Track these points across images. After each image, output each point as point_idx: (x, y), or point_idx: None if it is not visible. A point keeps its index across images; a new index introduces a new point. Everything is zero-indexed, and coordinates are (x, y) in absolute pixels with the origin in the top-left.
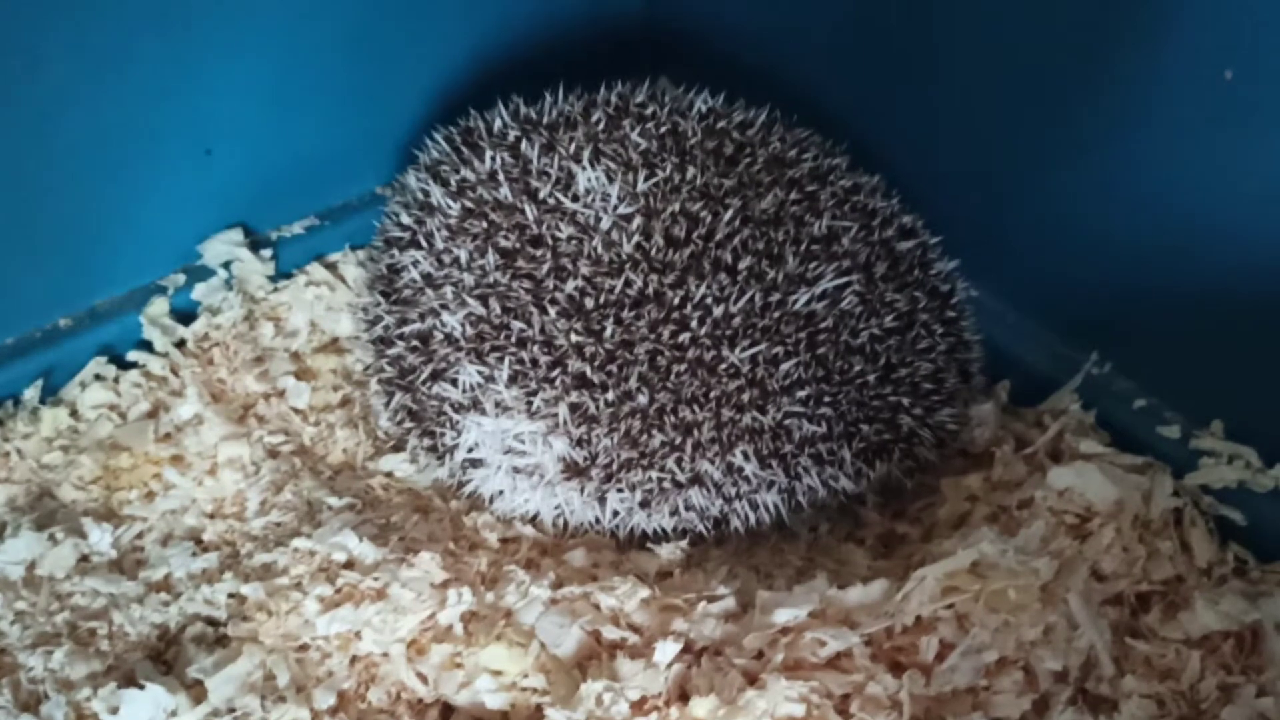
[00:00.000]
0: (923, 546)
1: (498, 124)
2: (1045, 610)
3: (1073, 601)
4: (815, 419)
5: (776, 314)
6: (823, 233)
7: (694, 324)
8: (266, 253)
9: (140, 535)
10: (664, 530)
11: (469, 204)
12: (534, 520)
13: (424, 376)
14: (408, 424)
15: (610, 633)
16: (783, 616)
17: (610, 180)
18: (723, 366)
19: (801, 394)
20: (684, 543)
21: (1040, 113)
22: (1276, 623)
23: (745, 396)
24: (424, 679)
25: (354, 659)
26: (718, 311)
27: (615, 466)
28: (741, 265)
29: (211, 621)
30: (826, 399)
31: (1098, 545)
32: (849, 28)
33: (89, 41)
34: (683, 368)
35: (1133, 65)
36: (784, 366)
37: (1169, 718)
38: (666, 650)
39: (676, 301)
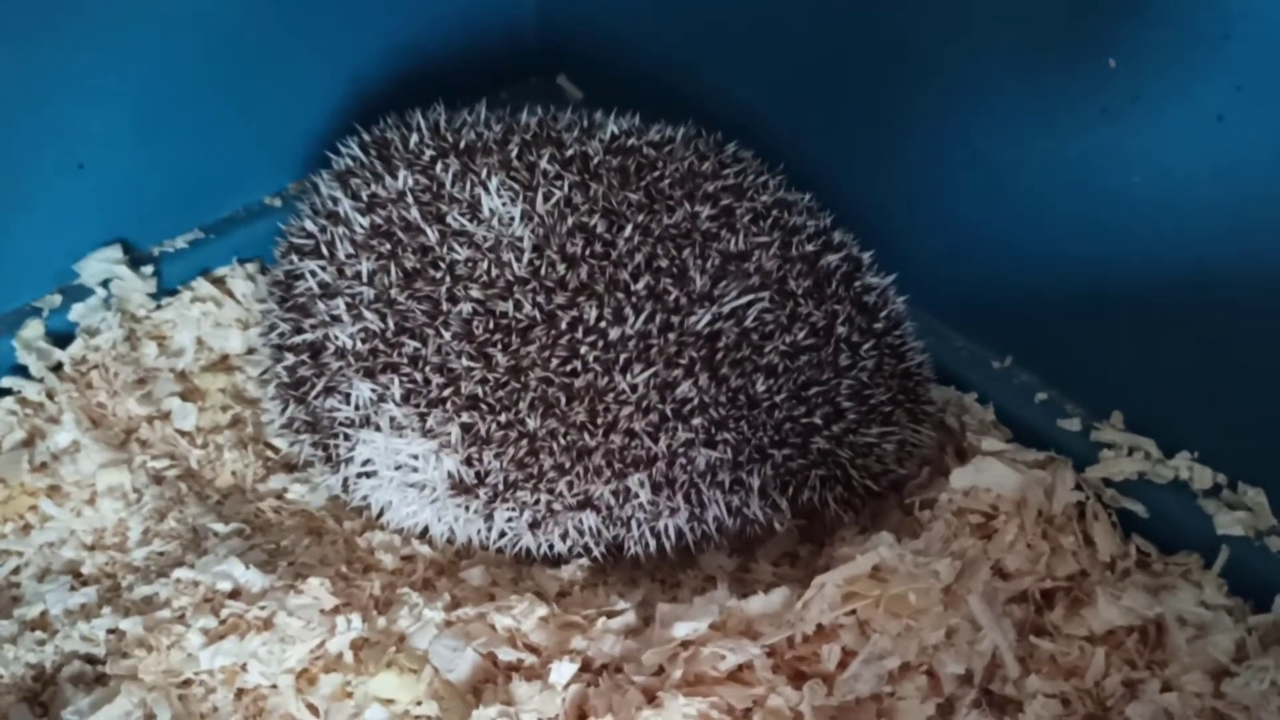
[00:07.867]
0: (825, 551)
1: (414, 139)
2: (947, 613)
3: (974, 603)
4: (714, 444)
5: (675, 336)
6: (736, 249)
7: (584, 349)
8: (148, 269)
9: (16, 570)
10: (558, 552)
11: (378, 220)
12: (425, 535)
13: (317, 390)
14: (302, 434)
15: (506, 654)
16: (682, 630)
17: (513, 202)
18: (613, 393)
19: (697, 420)
20: (585, 561)
21: (935, 108)
22: (1179, 616)
23: (637, 424)
24: (314, 710)
25: (240, 692)
26: (613, 334)
27: (503, 486)
28: (640, 285)
29: (90, 659)
30: (730, 424)
31: (1001, 543)
32: (733, 29)
33: None
34: (572, 395)
35: (1022, 57)
36: (679, 390)
37: (1074, 716)
38: (563, 671)
39: (567, 324)
